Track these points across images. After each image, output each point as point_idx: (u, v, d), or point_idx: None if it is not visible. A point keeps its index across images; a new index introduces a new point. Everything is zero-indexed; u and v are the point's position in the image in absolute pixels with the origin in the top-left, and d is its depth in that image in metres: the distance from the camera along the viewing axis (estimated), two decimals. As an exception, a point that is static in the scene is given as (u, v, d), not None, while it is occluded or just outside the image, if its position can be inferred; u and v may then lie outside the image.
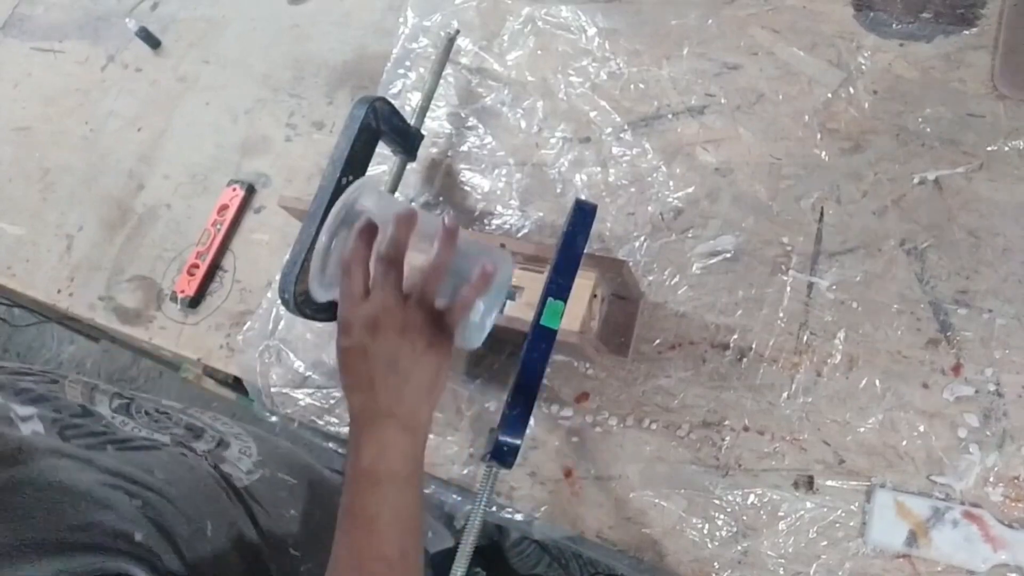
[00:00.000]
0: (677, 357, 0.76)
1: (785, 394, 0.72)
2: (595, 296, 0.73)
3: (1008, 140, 0.75)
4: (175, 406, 0.73)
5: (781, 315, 0.75)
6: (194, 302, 0.97)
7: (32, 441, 0.52)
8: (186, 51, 1.17)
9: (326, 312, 0.79)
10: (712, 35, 0.89)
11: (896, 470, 0.67)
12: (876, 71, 0.81)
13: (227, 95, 1.10)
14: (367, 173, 0.77)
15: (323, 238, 0.60)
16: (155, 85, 1.16)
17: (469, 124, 0.94)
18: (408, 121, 0.85)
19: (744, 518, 0.69)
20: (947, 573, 0.64)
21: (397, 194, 0.90)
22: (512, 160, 0.91)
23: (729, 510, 0.70)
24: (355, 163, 0.74)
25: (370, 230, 0.59)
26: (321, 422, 0.87)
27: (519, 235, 0.86)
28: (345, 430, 0.85)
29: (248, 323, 0.93)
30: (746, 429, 0.72)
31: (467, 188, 0.91)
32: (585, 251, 0.67)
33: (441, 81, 0.93)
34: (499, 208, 0.88)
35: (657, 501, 0.72)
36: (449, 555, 0.60)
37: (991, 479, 0.65)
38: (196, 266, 0.98)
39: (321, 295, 0.63)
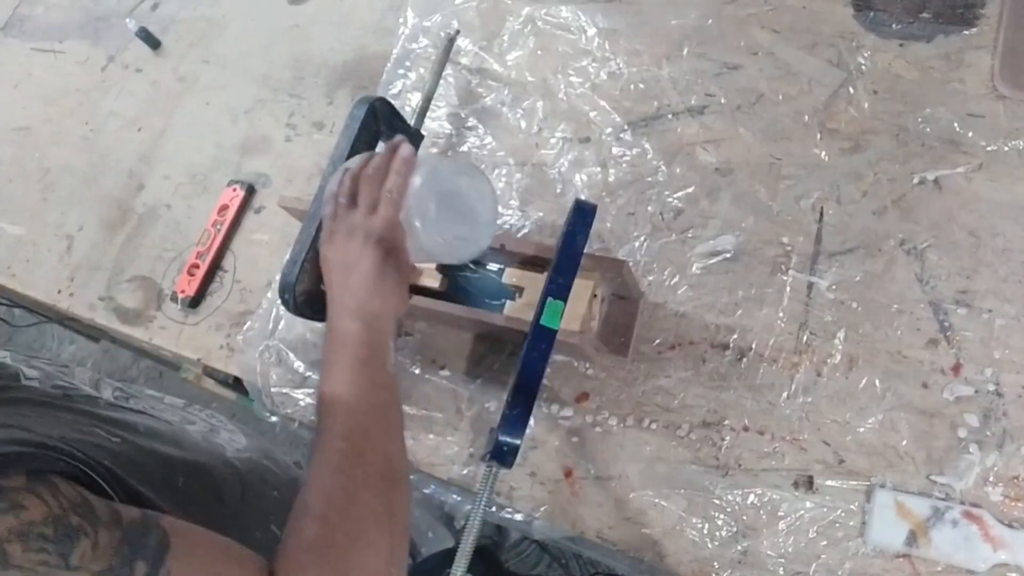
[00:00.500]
0: (677, 357, 0.76)
1: (785, 394, 0.72)
2: (595, 296, 0.73)
3: (1008, 140, 0.75)
4: (177, 402, 0.77)
5: (781, 315, 0.75)
6: (194, 302, 0.97)
7: (29, 385, 0.57)
8: (186, 51, 1.17)
9: (325, 312, 0.79)
10: (712, 35, 0.89)
11: (896, 470, 0.67)
12: (876, 71, 0.81)
13: (227, 95, 1.10)
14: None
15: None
16: (155, 85, 1.16)
17: (469, 124, 0.94)
18: (408, 121, 0.85)
19: (744, 518, 0.69)
20: (947, 573, 0.64)
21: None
22: (512, 160, 0.91)
23: (729, 510, 0.70)
24: (355, 163, 0.74)
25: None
26: (321, 422, 0.87)
27: (519, 235, 0.86)
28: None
29: (248, 323, 0.93)
30: (746, 429, 0.72)
31: (467, 188, 0.91)
32: (585, 251, 0.67)
33: (441, 81, 0.93)
34: (499, 208, 0.88)
35: (657, 501, 0.72)
36: (449, 555, 0.60)
37: (991, 479, 0.65)
38: (196, 266, 0.97)
39: None
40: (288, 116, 1.05)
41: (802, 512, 0.68)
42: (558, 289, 0.65)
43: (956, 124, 0.77)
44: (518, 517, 0.76)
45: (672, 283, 0.79)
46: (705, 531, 0.70)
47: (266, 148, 1.04)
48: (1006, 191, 0.73)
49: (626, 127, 0.87)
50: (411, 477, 0.66)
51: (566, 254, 0.67)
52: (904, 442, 0.68)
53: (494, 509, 0.77)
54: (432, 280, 0.78)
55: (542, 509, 0.75)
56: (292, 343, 0.90)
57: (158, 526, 0.48)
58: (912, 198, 0.75)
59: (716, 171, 0.82)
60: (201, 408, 0.83)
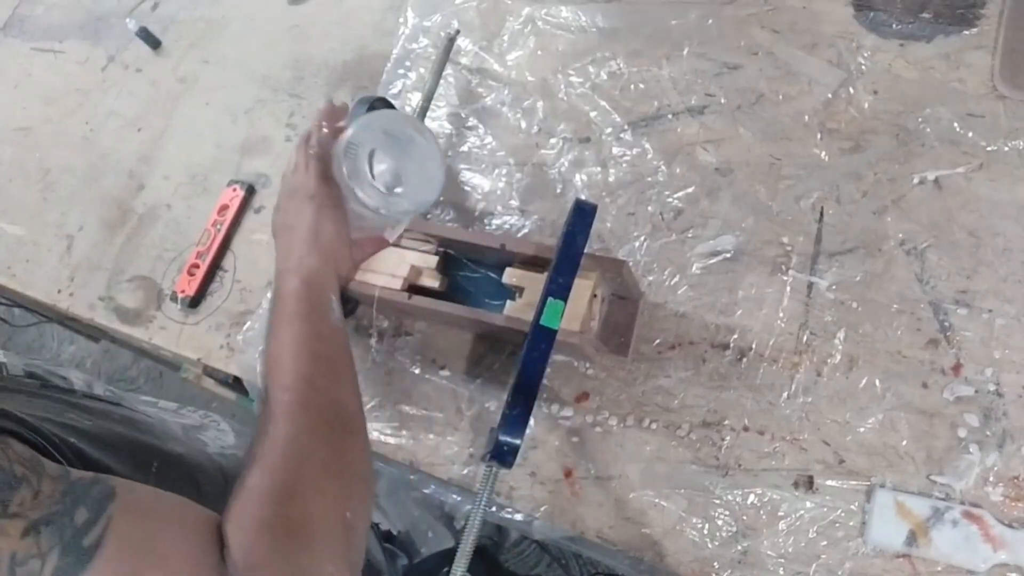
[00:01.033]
0: (677, 357, 0.76)
1: (785, 394, 0.72)
2: (595, 296, 0.73)
3: (1008, 140, 0.75)
4: (170, 405, 0.78)
5: (781, 315, 0.75)
6: (194, 302, 0.97)
7: (6, 376, 0.57)
8: (186, 51, 1.17)
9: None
10: (712, 35, 0.89)
11: (896, 470, 0.67)
12: (876, 71, 0.81)
13: (227, 95, 1.10)
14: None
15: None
16: (155, 85, 1.16)
17: (469, 124, 0.94)
18: (408, 121, 0.85)
19: (744, 518, 0.69)
20: (947, 573, 0.64)
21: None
22: (512, 160, 0.91)
23: (729, 510, 0.70)
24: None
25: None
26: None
27: (519, 235, 0.86)
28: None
29: (248, 323, 0.93)
30: (746, 429, 0.72)
31: (467, 188, 0.91)
32: (585, 251, 0.67)
33: (441, 81, 0.93)
34: (499, 208, 0.88)
35: (657, 501, 0.72)
36: (449, 555, 0.60)
37: (991, 479, 0.65)
38: (196, 266, 0.97)
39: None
40: (288, 116, 1.05)
41: (802, 512, 0.68)
42: (558, 289, 0.65)
43: (956, 124, 0.77)
44: (518, 517, 0.76)
45: (672, 283, 0.79)
46: (705, 531, 0.70)
47: (266, 148, 1.04)
48: (1006, 191, 0.73)
49: (626, 127, 0.87)
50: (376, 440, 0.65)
51: (566, 254, 0.67)
52: (904, 442, 0.68)
53: (494, 509, 0.77)
54: (432, 280, 0.78)
55: (542, 509, 0.75)
56: (292, 343, 0.90)
57: (107, 482, 0.48)
58: (912, 198, 0.75)
59: (716, 171, 0.82)
60: (194, 409, 0.83)
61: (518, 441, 0.63)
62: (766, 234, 0.78)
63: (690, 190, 0.82)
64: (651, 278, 0.80)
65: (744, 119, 0.84)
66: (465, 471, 0.79)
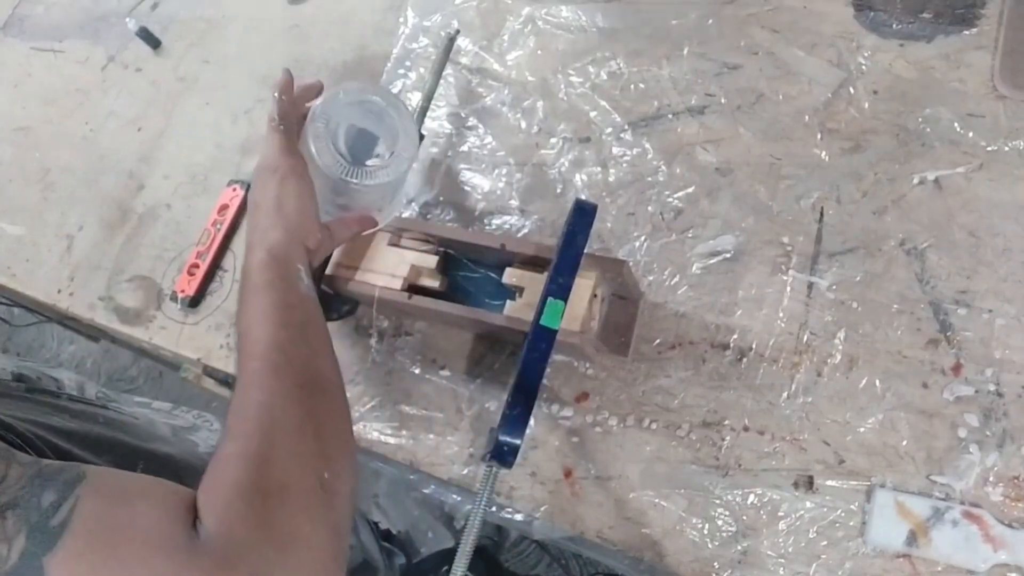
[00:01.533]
0: (677, 357, 0.76)
1: (785, 394, 0.72)
2: (595, 296, 0.73)
3: (1008, 140, 0.75)
4: (164, 405, 0.77)
5: (781, 315, 0.75)
6: (194, 302, 0.96)
7: None
8: (186, 51, 1.17)
9: (324, 312, 0.79)
10: (712, 35, 0.89)
11: (896, 470, 0.67)
12: (876, 71, 0.81)
13: (227, 95, 1.10)
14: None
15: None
16: (155, 85, 1.16)
17: (469, 124, 0.94)
18: (408, 121, 0.85)
19: (744, 518, 0.69)
20: (947, 573, 0.64)
21: (397, 194, 0.90)
22: (512, 160, 0.91)
23: (729, 510, 0.70)
24: (355, 163, 0.74)
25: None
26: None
27: (519, 235, 0.86)
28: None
29: (248, 323, 0.93)
30: (746, 429, 0.72)
31: (467, 188, 0.91)
32: (585, 251, 0.67)
33: (441, 81, 0.93)
34: (499, 208, 0.88)
35: (657, 501, 0.72)
36: (449, 555, 0.60)
37: (991, 479, 0.65)
38: (196, 266, 0.97)
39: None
40: (288, 116, 1.05)
41: (802, 512, 0.68)
42: (558, 289, 0.65)
43: (956, 124, 0.77)
44: (518, 517, 0.76)
45: (672, 283, 0.79)
46: (705, 531, 0.70)
47: (266, 148, 1.04)
48: (1006, 191, 0.73)
49: (626, 127, 0.87)
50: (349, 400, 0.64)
51: (566, 254, 0.67)
52: (904, 442, 0.68)
53: (494, 509, 0.77)
54: (432, 280, 0.78)
55: (542, 509, 0.75)
56: (292, 343, 0.90)
57: (78, 467, 0.47)
58: (912, 198, 0.75)
59: (716, 171, 0.82)
60: (188, 410, 0.83)
61: (518, 441, 0.63)
62: (766, 234, 0.78)
63: (690, 190, 0.82)
64: (651, 278, 0.80)
65: (744, 119, 0.84)
66: (465, 471, 0.79)
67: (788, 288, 0.75)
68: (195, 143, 1.08)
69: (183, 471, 0.68)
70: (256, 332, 0.57)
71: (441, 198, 0.92)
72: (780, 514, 0.69)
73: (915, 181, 0.76)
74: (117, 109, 1.16)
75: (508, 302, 0.74)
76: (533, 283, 0.73)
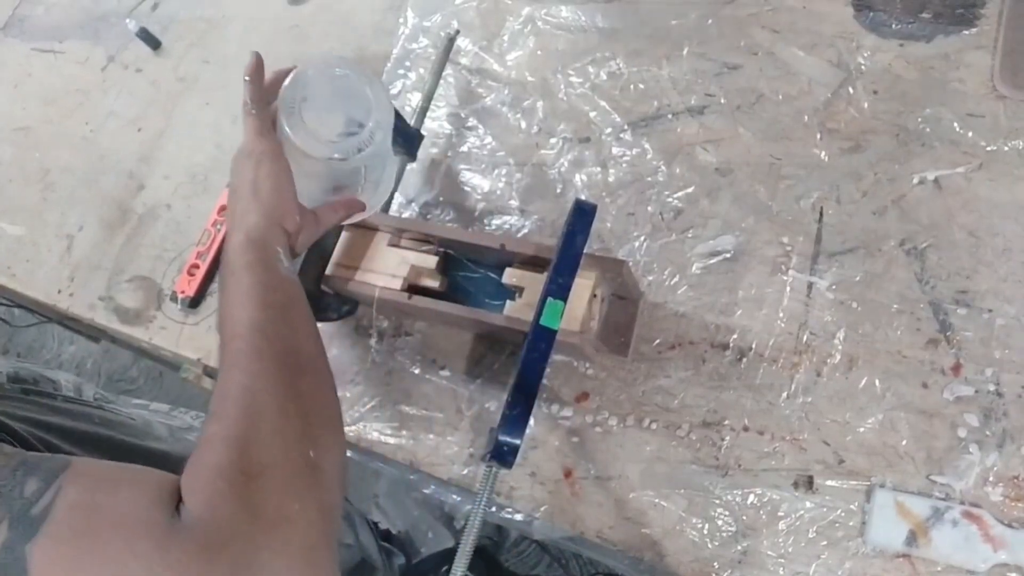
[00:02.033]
0: (677, 357, 0.76)
1: (785, 394, 0.72)
2: (595, 296, 0.73)
3: (1008, 140, 0.75)
4: (162, 407, 0.77)
5: (781, 315, 0.75)
6: (194, 302, 0.96)
7: None
8: (186, 51, 1.17)
9: (323, 312, 0.79)
10: (712, 35, 0.89)
11: (896, 470, 0.67)
12: (876, 71, 0.81)
13: (227, 95, 1.10)
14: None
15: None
16: (155, 85, 1.16)
17: (469, 124, 0.94)
18: (408, 121, 0.85)
19: (744, 518, 0.69)
20: (947, 573, 0.64)
21: (397, 194, 0.90)
22: (512, 160, 0.91)
23: (729, 510, 0.70)
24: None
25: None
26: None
27: (519, 235, 0.86)
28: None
29: (248, 323, 0.93)
30: (746, 429, 0.72)
31: (467, 188, 0.91)
32: (585, 251, 0.67)
33: (441, 81, 0.93)
34: (499, 208, 0.88)
35: (657, 501, 0.72)
36: (449, 555, 0.60)
37: (991, 479, 0.65)
38: (196, 266, 0.97)
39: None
40: (288, 116, 1.05)
41: (802, 512, 0.68)
42: (558, 289, 0.65)
43: (956, 124, 0.77)
44: (518, 517, 0.76)
45: (672, 283, 0.79)
46: (705, 531, 0.70)
47: (266, 148, 1.04)
48: (1006, 191, 0.73)
49: (626, 127, 0.87)
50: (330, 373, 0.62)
51: (566, 254, 0.67)
52: (904, 442, 0.68)
53: (494, 509, 0.77)
54: (432, 280, 0.78)
55: (542, 509, 0.75)
56: (292, 343, 0.90)
57: (62, 458, 0.47)
58: (912, 198, 0.75)
59: (716, 171, 0.82)
60: (186, 411, 0.83)
61: (518, 441, 0.63)
62: (766, 234, 0.78)
63: (690, 190, 0.82)
64: (651, 278, 0.80)
65: (744, 119, 0.84)
66: (465, 471, 0.79)
67: (788, 288, 0.75)
68: (195, 143, 1.08)
69: (178, 468, 0.68)
70: (237, 314, 0.57)
71: (441, 198, 0.92)
72: (780, 514, 0.69)
73: (915, 181, 0.76)
74: (117, 109, 1.16)
75: (508, 302, 0.74)
76: (533, 283, 0.73)
